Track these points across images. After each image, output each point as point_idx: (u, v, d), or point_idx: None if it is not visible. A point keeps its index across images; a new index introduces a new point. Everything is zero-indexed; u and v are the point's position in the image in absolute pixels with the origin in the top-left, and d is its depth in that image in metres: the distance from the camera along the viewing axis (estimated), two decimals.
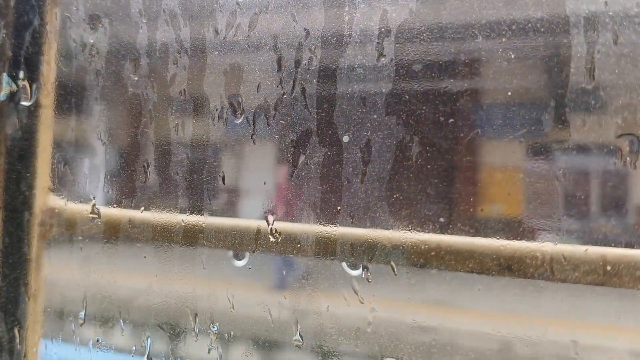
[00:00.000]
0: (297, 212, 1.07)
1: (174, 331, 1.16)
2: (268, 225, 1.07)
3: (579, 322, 0.90)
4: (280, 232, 1.06)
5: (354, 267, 1.00)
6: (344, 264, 1.01)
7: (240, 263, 1.09)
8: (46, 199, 1.32)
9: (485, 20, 0.91)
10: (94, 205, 1.22)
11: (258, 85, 1.07)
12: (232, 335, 1.11)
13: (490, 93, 0.91)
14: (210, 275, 1.14)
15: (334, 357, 1.04)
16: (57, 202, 1.30)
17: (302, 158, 1.05)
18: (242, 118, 1.09)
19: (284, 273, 1.11)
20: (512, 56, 0.89)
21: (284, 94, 1.05)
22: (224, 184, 1.12)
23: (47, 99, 1.31)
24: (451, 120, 0.94)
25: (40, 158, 1.32)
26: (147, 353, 1.17)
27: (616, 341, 0.89)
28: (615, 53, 0.84)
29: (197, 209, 1.13)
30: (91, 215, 1.22)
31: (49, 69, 1.30)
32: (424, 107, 0.95)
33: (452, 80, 0.94)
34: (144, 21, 1.15)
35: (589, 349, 0.87)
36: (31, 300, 1.32)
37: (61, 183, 1.31)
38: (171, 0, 1.13)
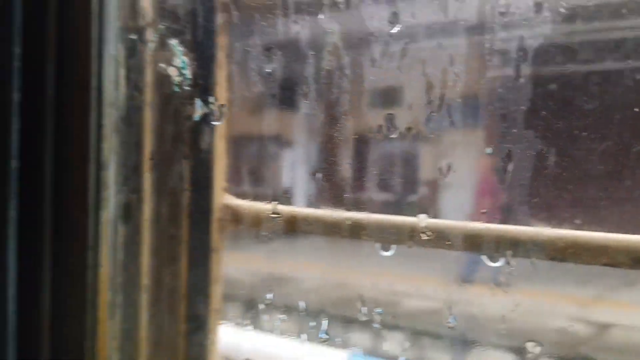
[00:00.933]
0: (446, 214, 1.24)
1: (345, 315, 1.38)
2: (421, 224, 1.25)
3: None
4: (432, 230, 1.23)
5: (497, 260, 1.16)
6: (485, 257, 1.17)
7: (388, 254, 1.28)
8: (227, 199, 1.58)
9: (613, 45, 1.03)
10: (276, 204, 1.45)
11: (410, 105, 1.25)
12: (394, 317, 1.30)
13: (618, 110, 1.03)
14: (371, 266, 1.34)
15: (482, 338, 1.20)
16: (240, 202, 1.56)
17: (449, 167, 1.21)
18: (396, 133, 1.27)
19: (470, 268, 1.27)
20: (638, 77, 1.00)
21: (432, 112, 1.22)
22: (383, 190, 1.31)
23: (229, 118, 1.57)
24: (584, 133, 1.06)
25: (219, 165, 1.59)
26: (323, 329, 1.39)
27: None
28: None
29: (360, 209, 1.34)
30: (272, 215, 1.46)
31: (231, 94, 1.56)
32: (559, 123, 1.09)
33: (584, 98, 1.06)
34: (311, 53, 1.37)
35: None
36: (215, 286, 1.60)
37: (244, 187, 1.57)
38: (333, 35, 1.33)
